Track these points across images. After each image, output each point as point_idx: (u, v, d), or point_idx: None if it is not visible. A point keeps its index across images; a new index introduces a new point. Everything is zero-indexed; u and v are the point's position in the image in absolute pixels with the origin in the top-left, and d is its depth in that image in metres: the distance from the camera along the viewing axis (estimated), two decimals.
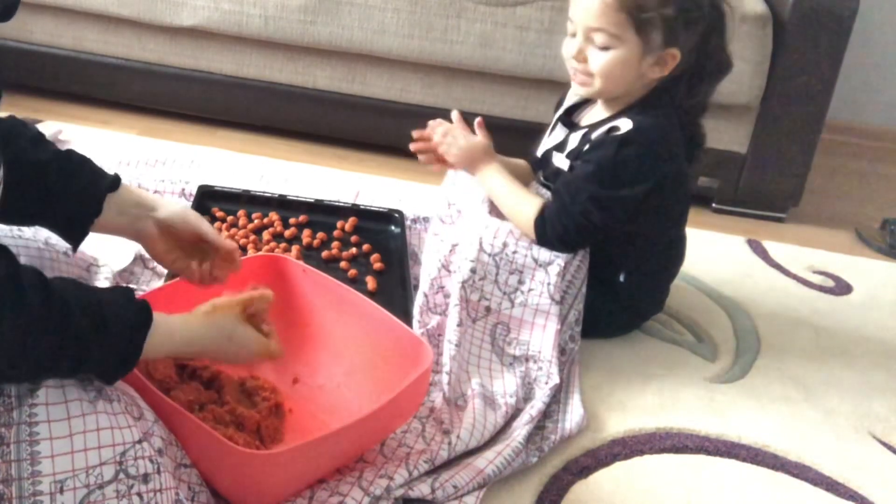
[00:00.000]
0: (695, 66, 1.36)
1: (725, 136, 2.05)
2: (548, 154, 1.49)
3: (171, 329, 0.99)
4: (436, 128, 1.53)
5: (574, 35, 1.36)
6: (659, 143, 1.36)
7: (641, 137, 1.34)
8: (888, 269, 1.93)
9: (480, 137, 1.50)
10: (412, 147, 1.56)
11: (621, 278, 1.46)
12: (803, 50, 1.94)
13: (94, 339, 0.89)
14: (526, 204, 1.41)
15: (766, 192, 2.10)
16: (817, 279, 1.83)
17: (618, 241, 1.43)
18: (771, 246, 1.94)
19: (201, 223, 1.16)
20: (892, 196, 2.39)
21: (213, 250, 1.17)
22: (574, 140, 1.43)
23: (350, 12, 1.97)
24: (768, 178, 2.08)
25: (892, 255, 2.02)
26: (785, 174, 2.07)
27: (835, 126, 2.54)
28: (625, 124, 1.35)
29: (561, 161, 1.44)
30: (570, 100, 1.51)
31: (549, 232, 1.38)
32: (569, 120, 1.49)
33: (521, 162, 1.59)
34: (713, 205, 2.14)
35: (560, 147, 1.46)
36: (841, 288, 1.82)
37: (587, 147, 1.39)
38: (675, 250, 1.54)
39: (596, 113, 1.45)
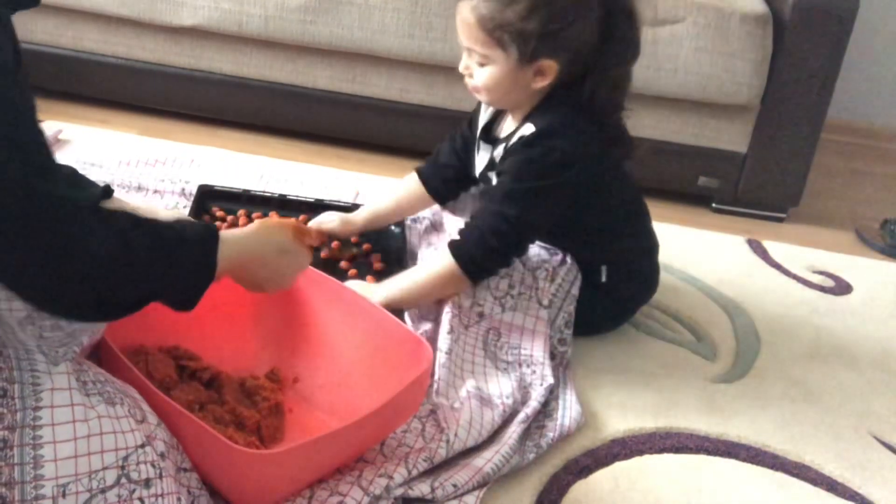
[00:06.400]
0: (591, 68, 1.34)
1: (725, 136, 2.05)
2: (484, 175, 1.48)
3: (233, 240, 1.05)
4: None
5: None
6: (562, 139, 1.34)
7: (543, 136, 1.34)
8: (888, 269, 1.93)
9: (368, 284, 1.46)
10: None
11: (603, 277, 1.46)
12: (803, 50, 1.94)
13: (178, 251, 0.96)
14: (433, 262, 1.38)
15: (766, 192, 2.10)
16: (817, 279, 1.83)
17: (586, 242, 1.44)
18: (771, 246, 1.94)
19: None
20: (892, 196, 2.39)
21: None
22: (499, 154, 1.43)
23: (350, 12, 1.97)
24: (768, 178, 2.08)
25: (892, 255, 2.02)
26: (785, 174, 2.07)
27: (835, 126, 2.54)
28: (527, 129, 1.36)
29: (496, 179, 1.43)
30: (484, 117, 1.50)
31: (469, 244, 1.35)
32: (489, 136, 1.48)
33: (406, 186, 1.59)
34: (713, 205, 2.14)
35: (491, 165, 1.45)
36: (841, 288, 1.82)
37: (500, 159, 1.40)
38: (644, 239, 1.53)
39: (508, 124, 1.45)
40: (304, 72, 2.08)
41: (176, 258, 0.96)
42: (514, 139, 1.38)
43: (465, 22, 1.32)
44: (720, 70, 1.94)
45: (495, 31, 1.30)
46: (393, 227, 1.67)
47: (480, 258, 1.36)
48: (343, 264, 1.56)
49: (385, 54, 2.01)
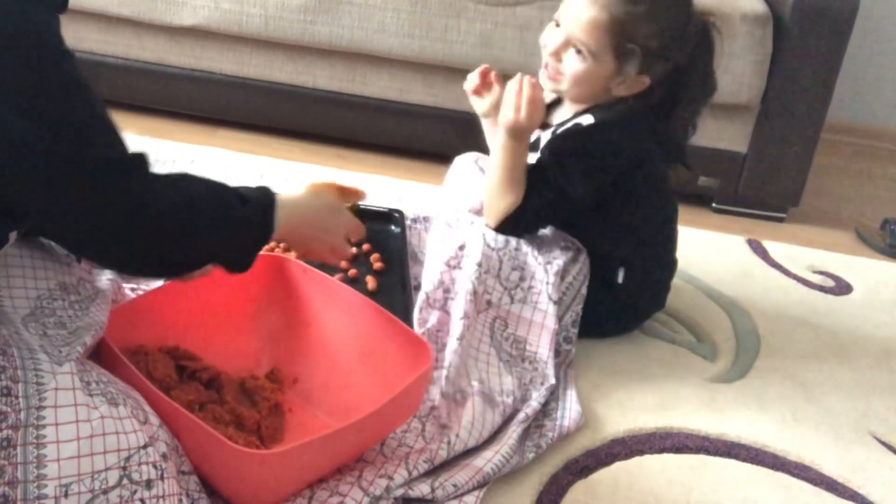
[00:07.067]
0: (670, 94, 1.38)
1: (725, 136, 2.05)
2: None
3: (288, 203, 1.10)
4: (519, 89, 1.38)
5: (558, 26, 1.38)
6: (617, 138, 1.38)
7: (602, 129, 1.38)
8: (888, 269, 1.93)
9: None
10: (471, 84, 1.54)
11: (620, 279, 1.46)
12: (803, 50, 1.94)
13: (240, 209, 1.02)
14: (518, 187, 1.39)
15: (766, 192, 2.10)
16: (817, 279, 1.83)
17: (612, 241, 1.45)
18: (771, 246, 1.94)
19: None
20: (892, 196, 2.39)
21: None
22: (545, 139, 1.45)
23: (350, 12, 1.97)
24: (768, 178, 2.08)
25: (892, 255, 2.02)
26: (785, 174, 2.07)
27: (835, 126, 2.54)
28: (586, 119, 1.39)
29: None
30: None
31: (514, 216, 1.38)
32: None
33: None
34: (713, 205, 2.14)
35: (534, 147, 1.47)
36: (841, 288, 1.82)
37: (550, 139, 1.42)
38: (668, 247, 1.54)
39: (563, 112, 1.47)
40: (304, 72, 2.08)
41: (237, 217, 1.02)
42: (568, 125, 1.41)
43: (592, 19, 1.32)
44: (720, 70, 1.93)
45: (622, 39, 1.32)
46: (393, 227, 1.67)
47: (516, 228, 1.39)
48: (343, 264, 1.56)
49: (385, 54, 2.01)
